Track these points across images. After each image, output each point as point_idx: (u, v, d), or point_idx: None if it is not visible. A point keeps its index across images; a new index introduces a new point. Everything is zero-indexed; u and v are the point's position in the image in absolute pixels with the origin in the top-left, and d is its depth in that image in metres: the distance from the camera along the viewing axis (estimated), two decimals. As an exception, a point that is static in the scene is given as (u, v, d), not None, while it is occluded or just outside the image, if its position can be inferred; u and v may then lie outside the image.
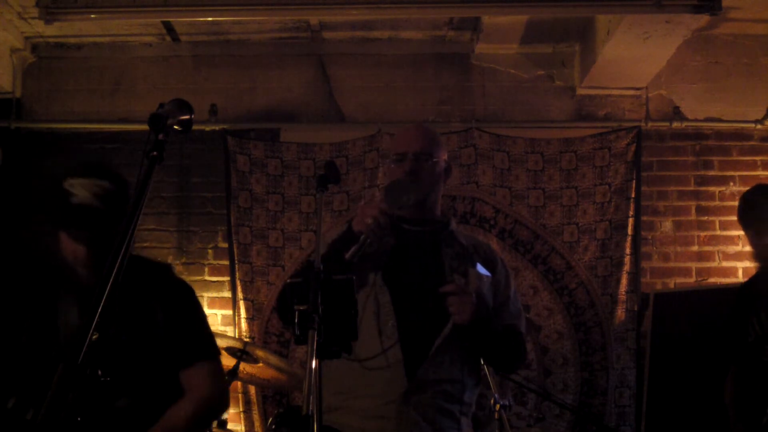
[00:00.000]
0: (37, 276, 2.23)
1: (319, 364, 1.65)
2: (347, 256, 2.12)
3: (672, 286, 4.69)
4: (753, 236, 3.18)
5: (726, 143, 4.80)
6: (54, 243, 2.13)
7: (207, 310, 4.68)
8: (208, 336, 2.33)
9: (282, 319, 2.47)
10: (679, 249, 4.74)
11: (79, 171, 2.12)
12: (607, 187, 4.65)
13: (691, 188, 4.78)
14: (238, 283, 4.63)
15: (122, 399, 2.08)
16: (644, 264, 4.66)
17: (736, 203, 4.62)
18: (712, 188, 4.77)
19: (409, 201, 2.25)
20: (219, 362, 2.35)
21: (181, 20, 4.55)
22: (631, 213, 4.62)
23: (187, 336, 2.24)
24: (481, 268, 2.34)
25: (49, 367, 2.04)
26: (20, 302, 2.17)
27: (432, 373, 2.26)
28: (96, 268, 2.07)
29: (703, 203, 4.75)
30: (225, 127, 4.76)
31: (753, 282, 3.24)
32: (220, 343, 3.69)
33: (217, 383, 2.29)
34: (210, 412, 2.28)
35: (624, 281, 4.57)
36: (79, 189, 2.07)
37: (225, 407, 2.33)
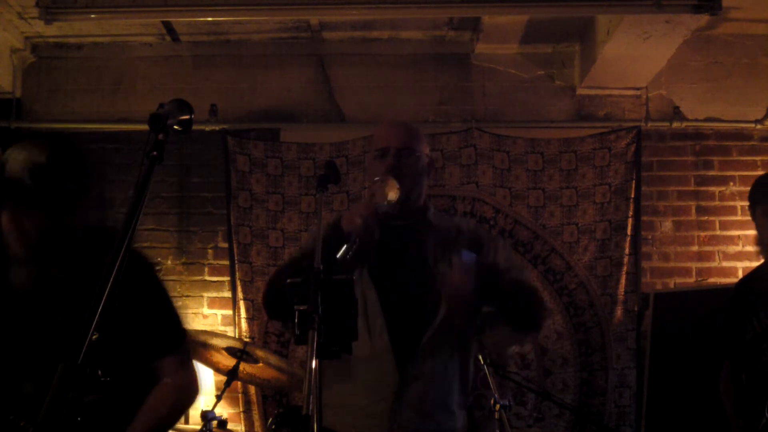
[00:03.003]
0: None
1: (319, 364, 1.65)
2: (338, 256, 2.09)
3: (672, 286, 4.70)
4: (760, 216, 3.06)
5: (726, 143, 4.80)
6: None
7: (207, 310, 4.69)
8: (174, 319, 2.28)
9: (269, 312, 2.44)
10: (679, 249, 4.74)
11: (20, 143, 2.10)
12: (607, 187, 4.66)
13: (691, 188, 4.78)
14: (238, 283, 4.64)
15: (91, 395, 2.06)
16: (644, 264, 4.66)
17: (736, 203, 4.68)
18: (712, 188, 4.77)
19: (396, 200, 2.24)
20: (187, 346, 2.31)
21: (181, 20, 4.55)
22: (630, 213, 4.62)
23: (155, 326, 2.19)
24: (465, 254, 2.29)
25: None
26: None
27: (423, 367, 2.25)
28: (22, 239, 2.06)
29: (703, 203, 4.76)
30: (225, 127, 4.76)
31: (752, 278, 3.21)
32: (220, 343, 3.70)
33: (189, 371, 2.27)
34: (186, 401, 2.27)
35: (623, 281, 4.58)
36: (12, 162, 2.04)
37: (197, 393, 2.32)
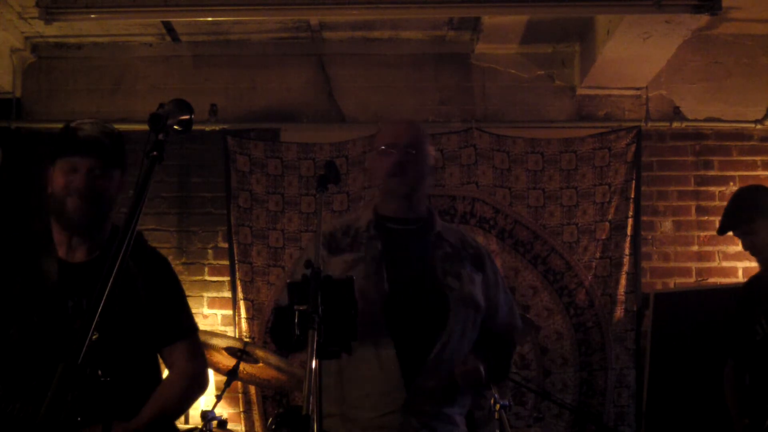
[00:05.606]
0: (17, 245, 2.24)
1: (319, 364, 1.65)
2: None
3: (672, 286, 4.70)
4: (740, 235, 3.24)
5: (726, 143, 4.80)
6: (48, 179, 2.19)
7: (207, 310, 4.69)
8: (187, 312, 2.32)
9: (275, 342, 2.44)
10: (679, 249, 4.74)
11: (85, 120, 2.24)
12: (607, 187, 4.66)
13: (691, 188, 4.78)
14: (238, 283, 4.64)
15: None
16: (644, 264, 4.66)
17: (736, 203, 4.67)
18: (712, 188, 4.77)
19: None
20: (198, 338, 2.34)
21: (181, 20, 4.55)
22: (630, 213, 4.62)
23: (168, 313, 2.23)
24: (471, 269, 2.33)
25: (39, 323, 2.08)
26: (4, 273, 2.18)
27: (430, 381, 2.24)
28: (88, 200, 2.13)
29: (703, 203, 4.76)
30: (225, 127, 4.76)
31: (760, 278, 3.23)
32: (220, 343, 3.70)
33: (200, 360, 2.29)
34: (196, 389, 2.28)
35: (623, 281, 4.58)
36: (88, 126, 2.17)
37: (207, 384, 2.33)
